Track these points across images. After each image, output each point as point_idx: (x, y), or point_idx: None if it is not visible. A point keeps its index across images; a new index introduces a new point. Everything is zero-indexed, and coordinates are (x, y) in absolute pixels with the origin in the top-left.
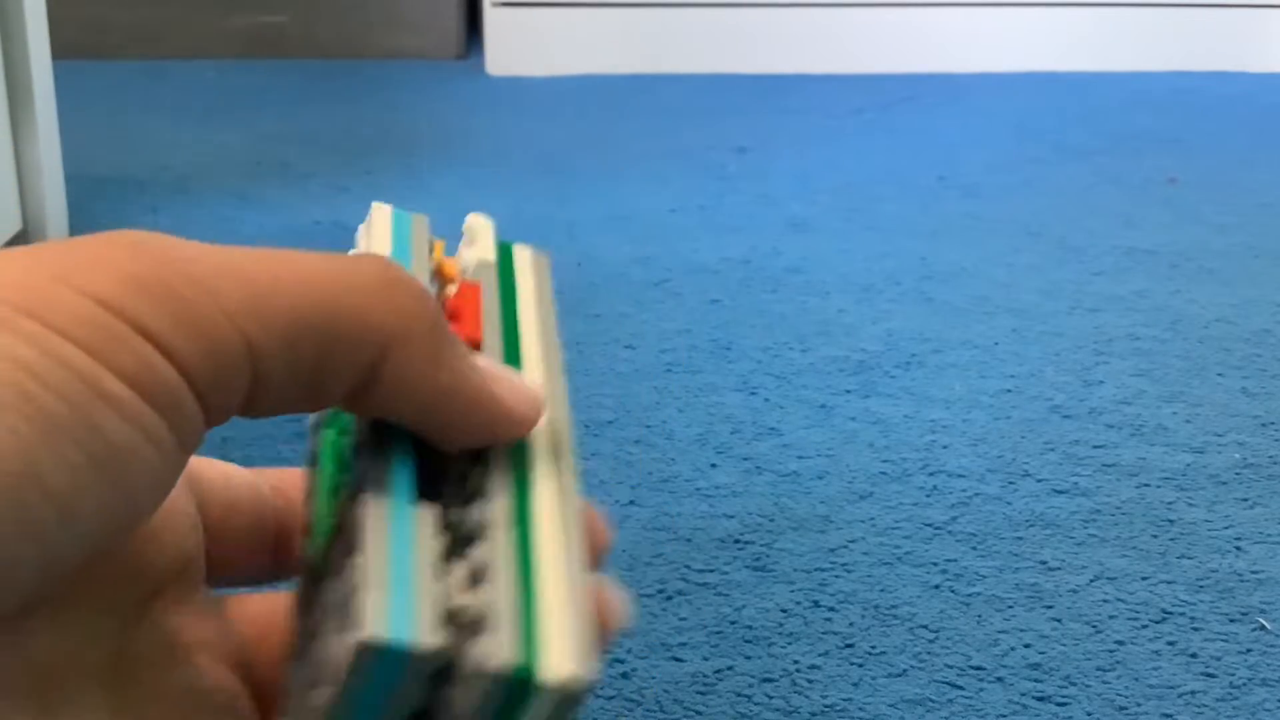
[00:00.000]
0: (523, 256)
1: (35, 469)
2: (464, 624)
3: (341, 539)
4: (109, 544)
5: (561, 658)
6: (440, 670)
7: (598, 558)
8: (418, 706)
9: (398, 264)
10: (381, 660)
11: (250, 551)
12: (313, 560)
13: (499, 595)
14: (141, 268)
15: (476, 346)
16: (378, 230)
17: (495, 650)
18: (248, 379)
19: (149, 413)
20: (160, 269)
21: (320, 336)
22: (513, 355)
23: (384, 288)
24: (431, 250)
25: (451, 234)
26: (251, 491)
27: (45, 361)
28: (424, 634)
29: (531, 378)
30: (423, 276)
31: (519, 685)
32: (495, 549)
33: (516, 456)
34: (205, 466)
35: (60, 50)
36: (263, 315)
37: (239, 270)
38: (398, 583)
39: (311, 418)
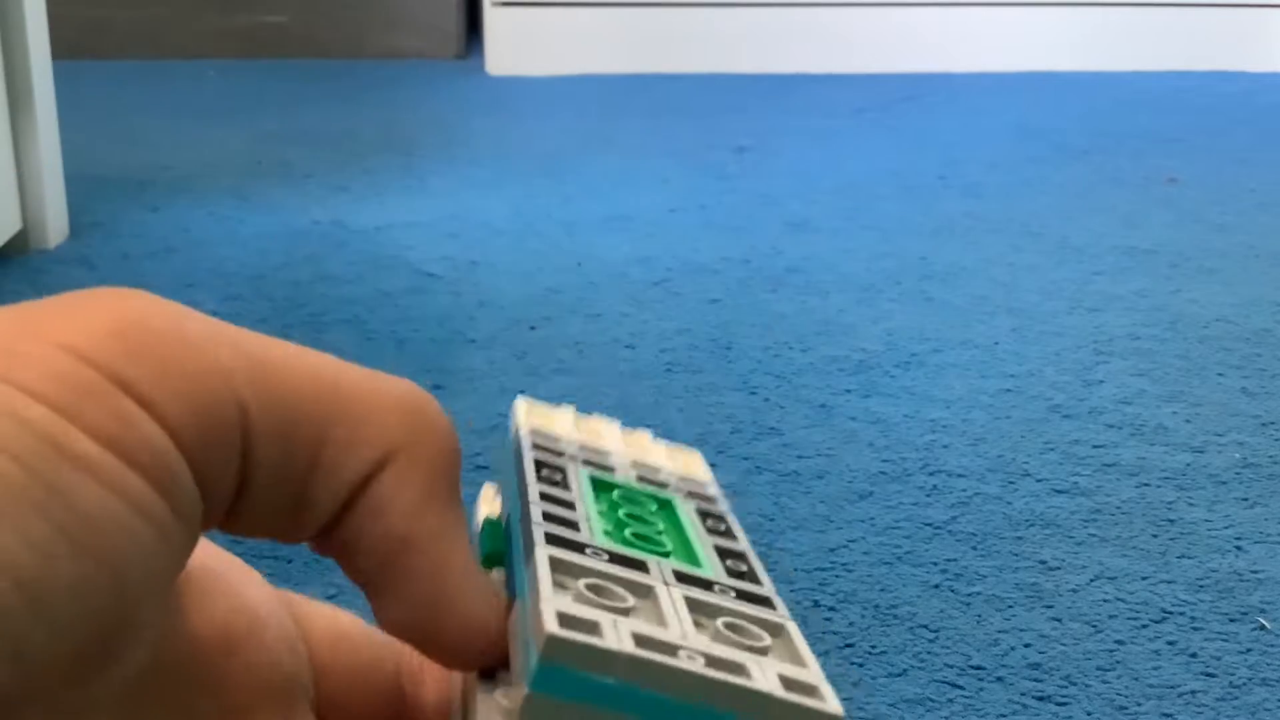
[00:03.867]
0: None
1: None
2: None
3: None
4: (102, 632)
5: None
6: None
7: None
8: None
9: (428, 394)
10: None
11: (366, 695)
12: None
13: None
14: (128, 320)
15: None
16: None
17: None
18: (238, 454)
19: (130, 476)
20: (147, 321)
21: (322, 426)
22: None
23: (403, 399)
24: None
25: (451, 234)
26: (361, 627)
27: (2, 423)
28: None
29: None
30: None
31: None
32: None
33: None
34: (304, 601)
35: (60, 50)
36: (261, 385)
37: (239, 339)
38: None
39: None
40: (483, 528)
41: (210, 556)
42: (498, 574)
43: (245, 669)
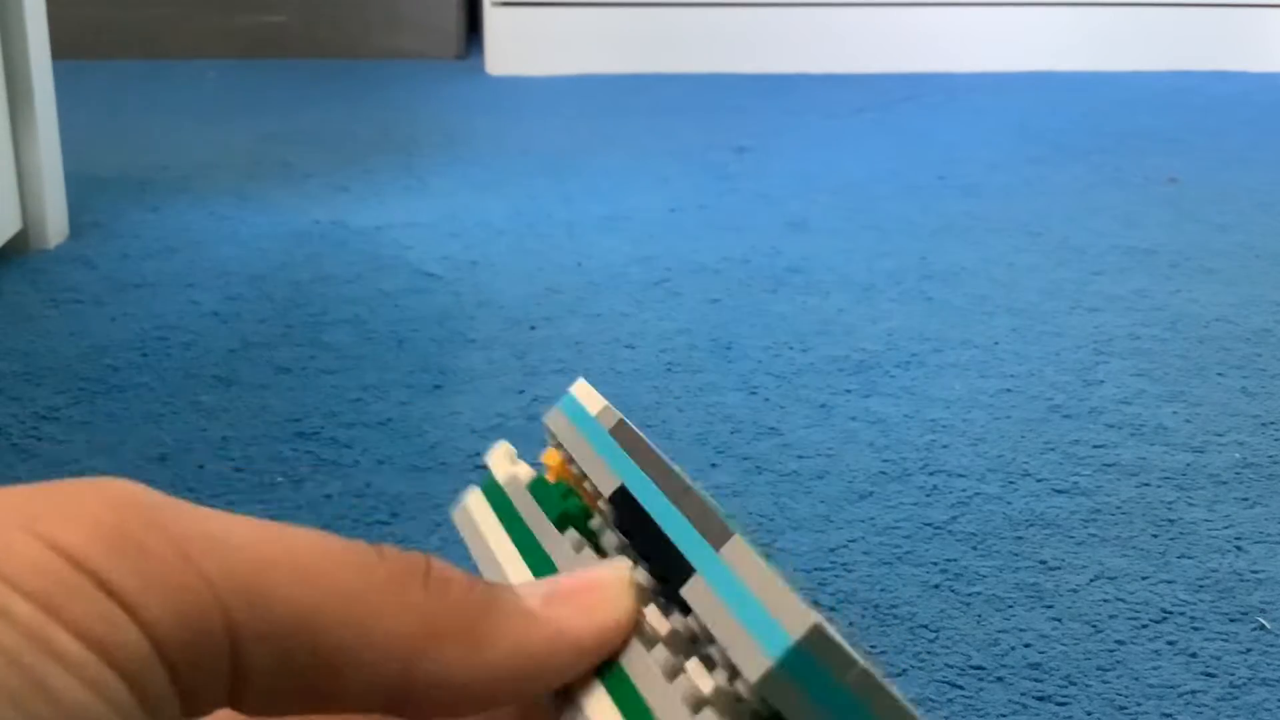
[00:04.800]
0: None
1: None
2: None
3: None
4: None
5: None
6: None
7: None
8: None
9: (419, 555)
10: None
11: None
12: None
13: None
14: (117, 519)
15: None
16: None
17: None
18: (227, 663)
19: (109, 676)
20: (137, 522)
21: (319, 641)
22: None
23: (397, 584)
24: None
25: (451, 234)
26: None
27: None
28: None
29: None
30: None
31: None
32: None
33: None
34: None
35: (60, 50)
36: (250, 596)
37: (227, 538)
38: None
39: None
40: (534, 487)
41: None
42: (573, 535)
43: None
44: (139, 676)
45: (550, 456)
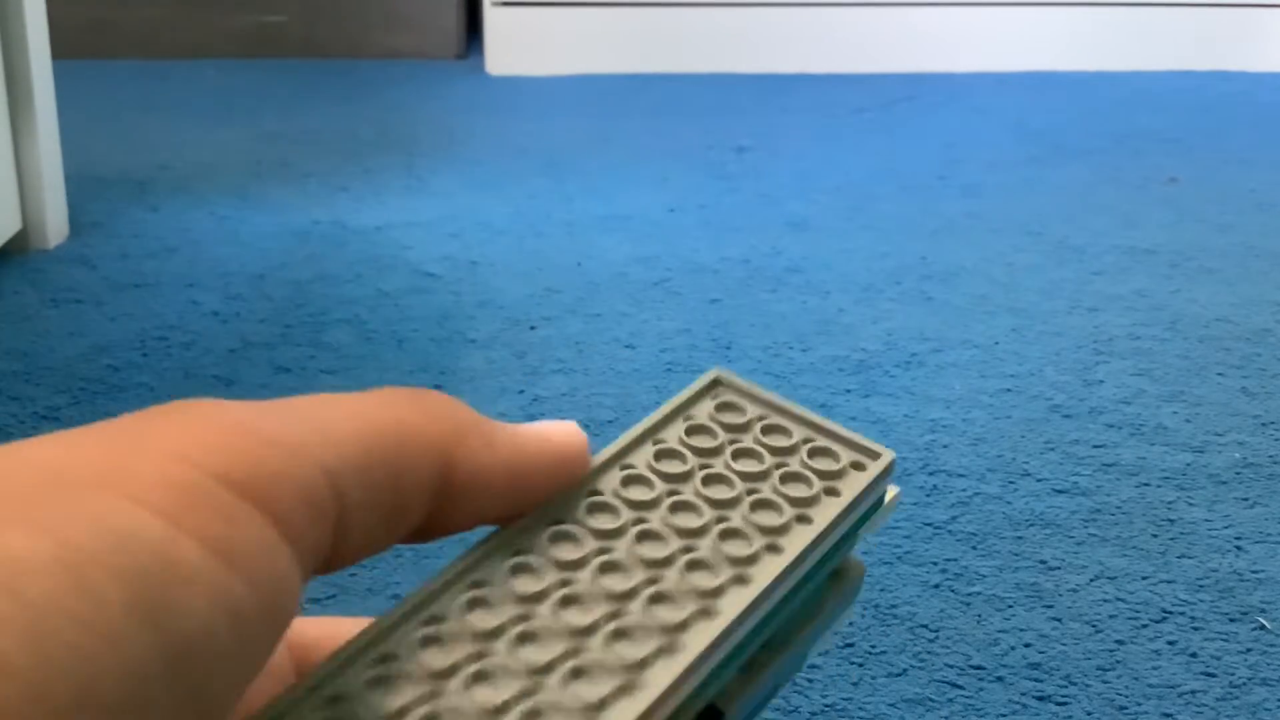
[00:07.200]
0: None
1: (96, 687)
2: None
3: None
4: None
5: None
6: None
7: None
8: None
9: (425, 389)
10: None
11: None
12: None
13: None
14: (212, 427)
15: None
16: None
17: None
18: (334, 509)
19: (232, 580)
20: (229, 425)
21: (390, 457)
22: None
23: (425, 407)
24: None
25: (451, 234)
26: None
27: (116, 538)
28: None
29: None
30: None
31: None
32: None
33: None
34: (310, 626)
35: (60, 50)
36: (335, 446)
37: (300, 414)
38: None
39: None
40: None
41: None
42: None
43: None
44: (264, 571)
45: None
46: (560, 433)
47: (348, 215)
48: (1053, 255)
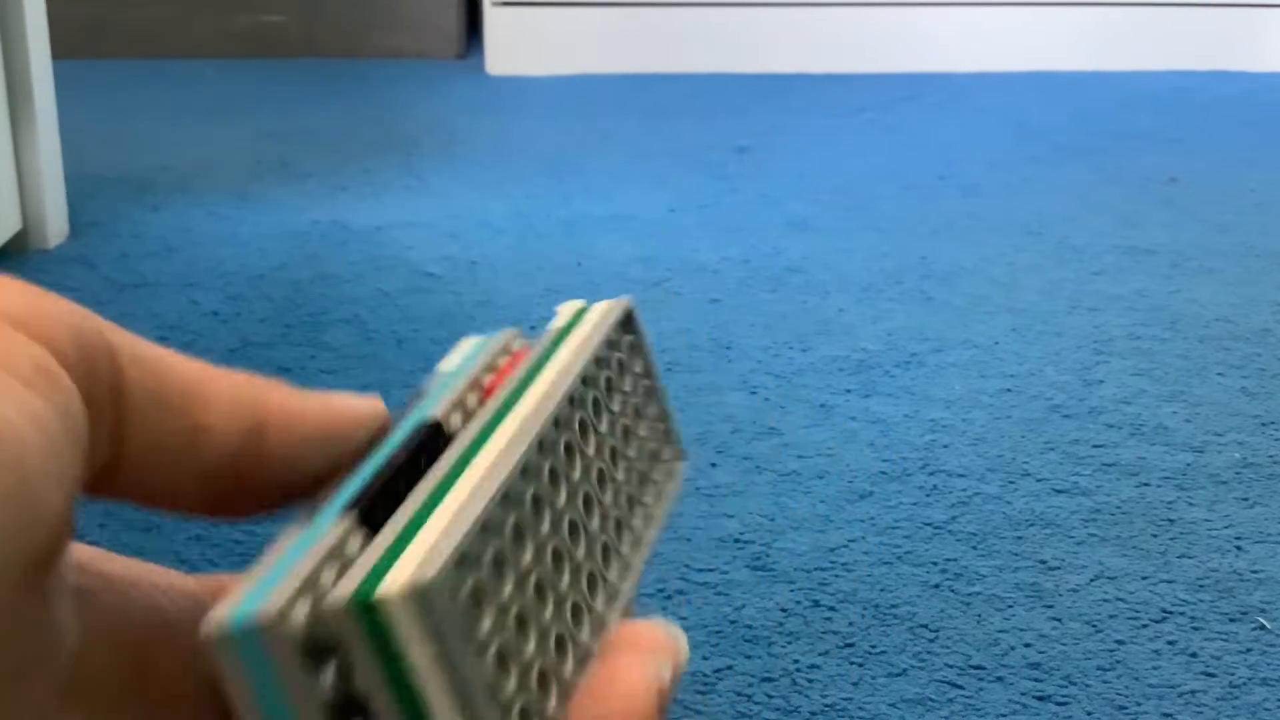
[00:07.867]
0: (595, 311)
1: None
2: (326, 589)
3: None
4: (21, 544)
5: (403, 571)
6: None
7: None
8: (333, 696)
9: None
10: (236, 649)
11: None
12: None
13: (377, 544)
14: (5, 283)
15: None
16: (449, 360)
17: (340, 591)
18: (111, 389)
19: (27, 393)
20: (22, 285)
21: (189, 394)
22: (503, 412)
23: (229, 374)
24: (506, 354)
25: (451, 234)
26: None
27: None
28: (266, 606)
29: (500, 435)
30: (466, 388)
31: (366, 615)
32: (407, 507)
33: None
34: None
35: (60, 50)
36: (128, 343)
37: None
38: (271, 571)
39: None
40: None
41: (126, 564)
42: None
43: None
44: (46, 384)
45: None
46: (354, 399)
47: (348, 215)
48: (1053, 255)
